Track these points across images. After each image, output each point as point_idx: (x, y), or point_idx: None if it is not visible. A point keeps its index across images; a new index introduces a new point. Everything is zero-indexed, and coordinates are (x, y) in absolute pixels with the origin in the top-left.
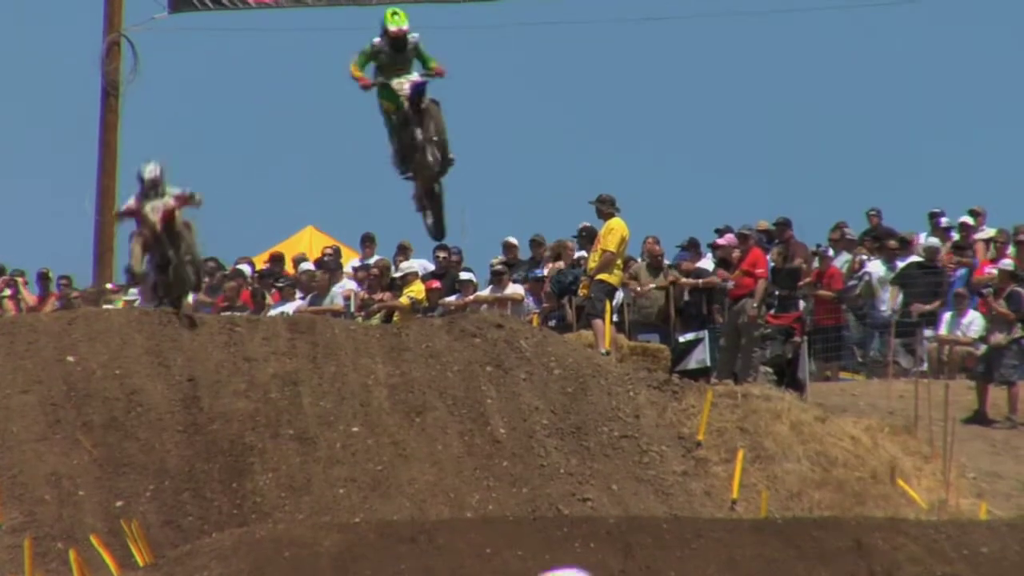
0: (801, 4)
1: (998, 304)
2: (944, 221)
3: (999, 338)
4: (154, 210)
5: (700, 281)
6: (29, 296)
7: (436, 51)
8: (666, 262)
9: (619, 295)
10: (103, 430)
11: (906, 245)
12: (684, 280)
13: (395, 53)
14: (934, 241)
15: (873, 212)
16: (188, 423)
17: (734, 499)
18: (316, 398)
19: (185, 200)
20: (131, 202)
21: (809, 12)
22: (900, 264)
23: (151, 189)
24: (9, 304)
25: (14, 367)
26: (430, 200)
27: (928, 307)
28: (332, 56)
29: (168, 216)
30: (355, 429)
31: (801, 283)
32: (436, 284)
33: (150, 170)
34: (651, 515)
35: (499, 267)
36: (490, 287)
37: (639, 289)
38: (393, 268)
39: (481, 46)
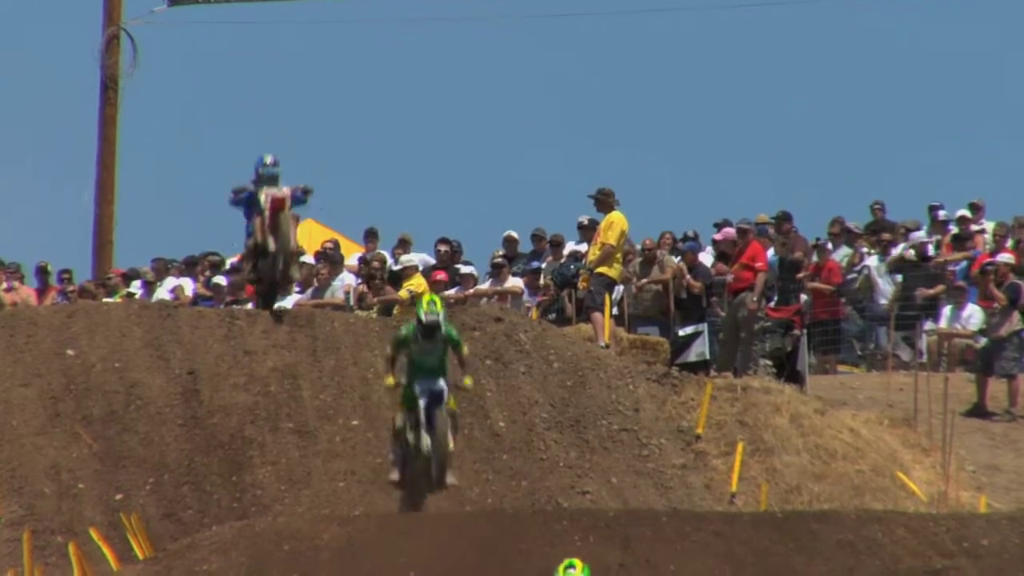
0: None
1: (995, 289)
2: (942, 214)
3: (1002, 331)
4: (267, 198)
5: (687, 280)
6: (24, 290)
7: (436, 42)
8: (661, 253)
9: (618, 288)
10: (103, 423)
11: (903, 235)
12: (688, 279)
13: (426, 341)
14: (920, 236)
15: (877, 205)
16: (188, 416)
17: (733, 492)
18: (316, 391)
19: (297, 195)
20: (247, 185)
21: (809, 4)
22: (894, 254)
23: (268, 180)
24: (8, 297)
25: (14, 360)
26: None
27: (932, 291)
28: (331, 49)
29: (278, 205)
30: (355, 422)
31: (800, 275)
32: (443, 275)
33: (269, 161)
34: (650, 508)
35: (499, 260)
36: (489, 280)
37: (637, 285)
38: (392, 262)
39: (484, 39)
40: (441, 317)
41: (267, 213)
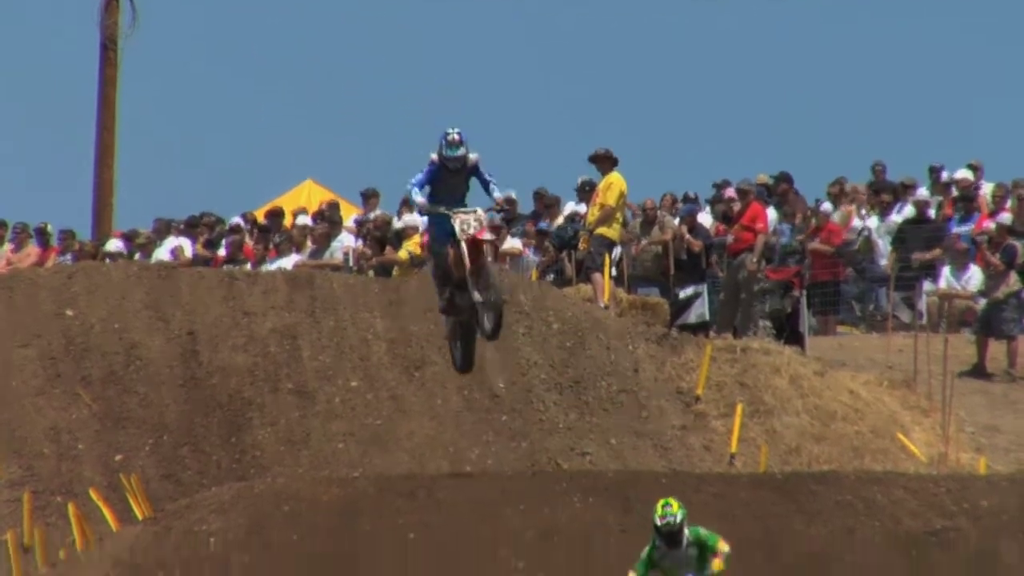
0: None
1: (992, 255)
2: (945, 175)
3: (998, 293)
4: (465, 227)
5: (686, 238)
6: (32, 251)
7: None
8: (661, 214)
9: (618, 249)
10: (102, 384)
11: (905, 190)
12: (688, 237)
13: (672, 549)
14: (924, 193)
15: (878, 165)
16: (187, 377)
17: (733, 453)
18: (315, 352)
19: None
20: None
21: None
22: (894, 217)
23: (453, 164)
24: (16, 257)
25: (13, 321)
26: None
27: (928, 255)
28: (332, 9)
29: (478, 246)
30: (354, 383)
31: (800, 237)
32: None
33: (454, 138)
34: (650, 469)
35: (498, 221)
36: None
37: (637, 247)
38: (396, 220)
39: (485, 5)
40: (679, 518)
41: (465, 249)
